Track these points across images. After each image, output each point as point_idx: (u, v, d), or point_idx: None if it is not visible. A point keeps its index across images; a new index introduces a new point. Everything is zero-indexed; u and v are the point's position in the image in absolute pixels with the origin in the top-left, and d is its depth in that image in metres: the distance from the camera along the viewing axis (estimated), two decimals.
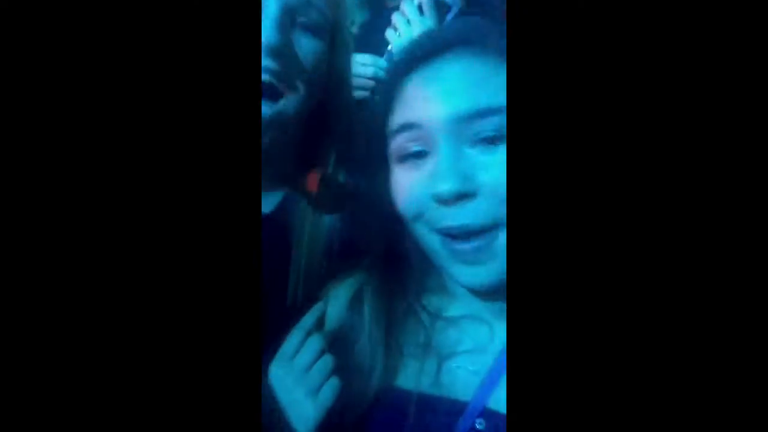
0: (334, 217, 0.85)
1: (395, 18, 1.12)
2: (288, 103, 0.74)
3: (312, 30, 0.75)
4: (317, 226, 0.84)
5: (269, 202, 0.86)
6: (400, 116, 0.64)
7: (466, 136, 0.60)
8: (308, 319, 0.69)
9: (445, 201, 0.60)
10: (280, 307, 0.80)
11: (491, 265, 0.61)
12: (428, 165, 0.62)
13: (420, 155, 0.63)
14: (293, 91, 0.75)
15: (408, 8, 1.10)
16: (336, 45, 0.81)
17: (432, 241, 0.64)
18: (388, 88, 0.68)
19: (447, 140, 0.60)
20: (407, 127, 0.63)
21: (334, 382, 0.65)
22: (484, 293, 0.66)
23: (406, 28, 1.09)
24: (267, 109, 0.73)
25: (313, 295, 0.77)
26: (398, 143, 0.64)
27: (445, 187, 0.59)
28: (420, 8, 1.09)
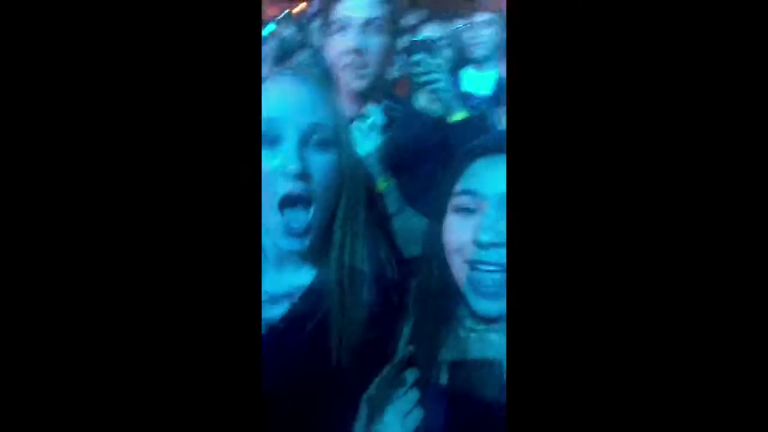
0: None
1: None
2: (316, 209, 0.93)
3: (323, 145, 0.93)
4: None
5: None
6: (465, 182, 0.93)
7: (502, 206, 0.85)
8: (400, 356, 0.90)
9: (484, 246, 0.86)
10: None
11: (503, 301, 0.83)
12: (475, 219, 0.89)
13: (470, 211, 0.91)
14: (316, 200, 0.93)
15: (363, 124, 1.32)
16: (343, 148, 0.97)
17: (461, 270, 0.91)
18: (464, 162, 0.94)
19: (493, 208, 0.87)
20: (468, 192, 0.91)
21: (418, 411, 0.86)
22: (491, 321, 0.89)
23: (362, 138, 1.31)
24: (300, 218, 0.92)
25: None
26: (459, 200, 0.92)
27: (485, 237, 0.86)
28: (372, 126, 1.32)
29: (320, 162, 0.92)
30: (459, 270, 0.91)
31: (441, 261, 0.94)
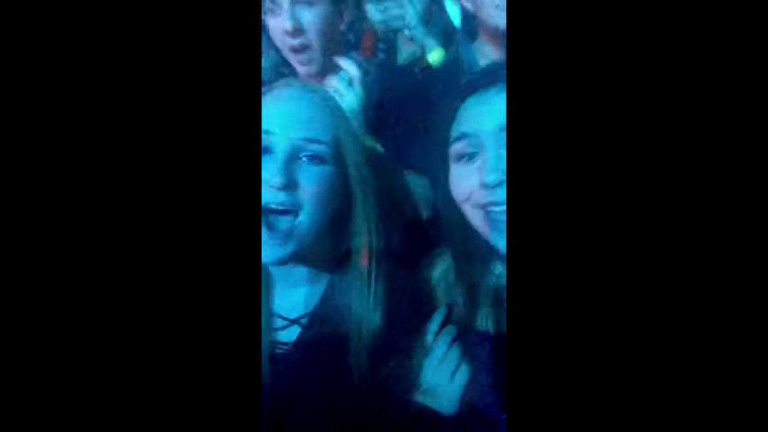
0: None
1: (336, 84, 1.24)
2: (303, 219, 0.88)
3: (318, 159, 0.88)
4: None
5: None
6: (456, 130, 0.88)
7: (502, 142, 0.82)
8: (436, 320, 0.93)
9: (492, 187, 0.83)
10: None
11: None
12: (477, 162, 0.85)
13: (471, 156, 0.87)
14: (303, 211, 0.87)
15: (339, 83, 1.22)
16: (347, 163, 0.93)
17: (476, 216, 0.88)
18: (452, 106, 0.90)
19: (492, 145, 0.84)
20: (464, 136, 0.87)
21: (465, 366, 0.89)
22: None
23: (341, 97, 1.20)
24: (281, 227, 0.86)
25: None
26: (456, 148, 0.88)
27: (492, 177, 0.82)
28: (350, 81, 1.22)
29: (312, 174, 0.88)
30: (475, 217, 0.88)
31: (456, 213, 0.91)
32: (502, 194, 0.82)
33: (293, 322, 0.95)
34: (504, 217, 0.83)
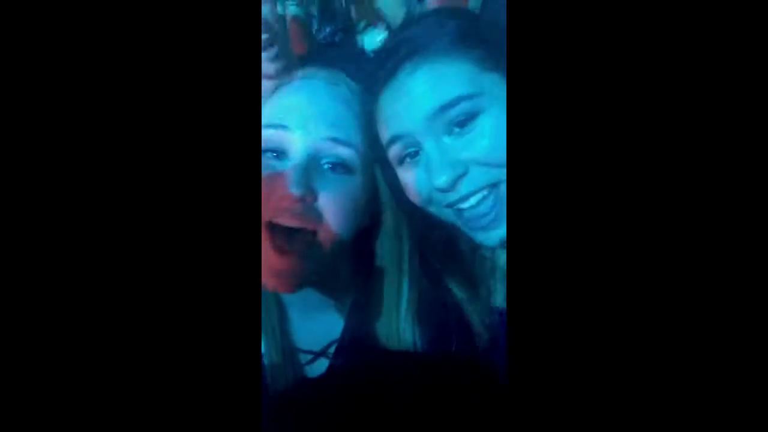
0: None
1: None
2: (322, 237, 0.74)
3: (343, 167, 0.75)
4: None
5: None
6: (385, 130, 0.75)
7: (440, 129, 0.71)
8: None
9: (445, 190, 0.71)
10: None
11: (502, 227, 0.72)
12: (423, 160, 0.73)
13: (413, 155, 0.74)
14: (321, 228, 0.74)
15: None
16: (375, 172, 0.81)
17: (447, 215, 0.76)
18: (370, 106, 0.76)
19: (428, 139, 0.71)
20: (395, 139, 0.74)
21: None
22: (501, 247, 0.76)
23: None
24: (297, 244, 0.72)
25: None
26: (394, 152, 0.75)
27: (441, 180, 0.70)
28: None
29: (335, 184, 0.74)
30: (446, 215, 0.76)
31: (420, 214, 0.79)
32: (464, 189, 0.71)
33: (320, 354, 0.85)
34: (482, 218, 0.72)
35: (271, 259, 0.71)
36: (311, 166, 0.73)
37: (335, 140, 0.75)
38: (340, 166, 0.75)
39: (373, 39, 1.31)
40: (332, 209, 0.73)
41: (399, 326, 0.81)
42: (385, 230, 0.82)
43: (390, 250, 0.82)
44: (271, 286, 0.72)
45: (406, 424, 0.70)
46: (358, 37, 1.48)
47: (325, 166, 0.75)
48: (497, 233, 0.73)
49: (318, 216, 0.73)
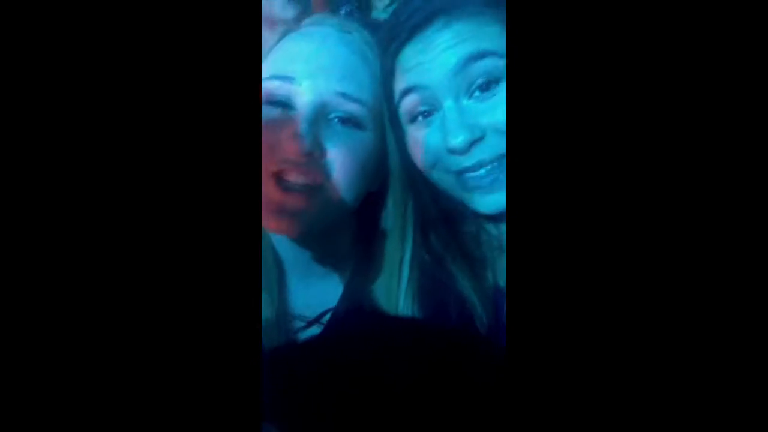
0: None
1: None
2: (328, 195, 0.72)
3: (353, 123, 0.73)
4: None
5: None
6: (402, 82, 0.71)
7: (462, 88, 0.68)
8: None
9: (459, 152, 0.68)
10: None
11: (502, 193, 0.69)
12: (436, 121, 0.70)
13: (427, 114, 0.71)
14: (328, 185, 0.72)
15: None
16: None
17: (448, 181, 0.73)
18: (389, 57, 0.72)
19: (448, 97, 0.68)
20: (412, 89, 0.70)
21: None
22: (496, 218, 0.73)
23: None
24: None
25: None
26: (406, 106, 0.71)
27: (458, 141, 0.67)
28: None
29: (344, 139, 0.71)
30: (445, 180, 0.73)
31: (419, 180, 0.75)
32: (474, 156, 0.68)
33: (313, 321, 0.84)
34: (484, 180, 0.69)
35: (274, 199, 0.69)
36: (319, 118, 0.71)
37: (345, 95, 0.71)
38: (349, 121, 0.72)
39: (384, 7, 1.27)
40: (340, 165, 0.71)
41: (398, 303, 0.79)
42: (391, 199, 0.80)
43: (394, 220, 0.80)
44: (272, 228, 0.70)
45: (400, 394, 0.68)
46: (373, 12, 1.44)
47: (334, 120, 0.72)
48: (494, 198, 0.70)
49: (326, 172, 0.71)
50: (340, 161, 0.71)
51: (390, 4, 1.34)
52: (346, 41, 0.75)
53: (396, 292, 0.79)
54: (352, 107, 0.72)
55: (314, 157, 0.69)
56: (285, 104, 0.72)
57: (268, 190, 0.69)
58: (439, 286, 0.81)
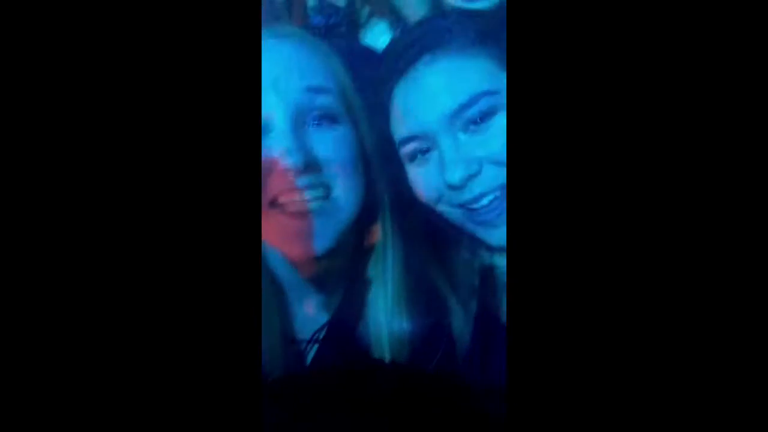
0: None
1: None
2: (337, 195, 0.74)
3: (328, 119, 0.74)
4: None
5: None
6: (399, 131, 0.74)
7: (457, 126, 0.70)
8: None
9: (457, 187, 0.70)
10: None
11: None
12: (434, 157, 0.72)
13: (425, 151, 0.74)
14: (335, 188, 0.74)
15: None
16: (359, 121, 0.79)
17: (456, 215, 0.75)
18: (381, 105, 0.75)
19: (443, 136, 0.70)
20: (410, 139, 0.73)
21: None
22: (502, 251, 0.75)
23: None
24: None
25: None
26: (406, 151, 0.75)
27: (455, 177, 0.69)
28: None
29: (328, 139, 0.72)
30: (453, 214, 0.76)
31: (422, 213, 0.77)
32: (474, 189, 0.70)
33: (309, 341, 0.84)
34: (491, 213, 0.71)
35: (286, 227, 0.71)
36: (298, 126, 0.71)
37: (311, 89, 0.72)
38: (325, 119, 0.73)
39: (377, 36, 1.27)
40: (338, 168, 0.72)
41: (390, 317, 0.80)
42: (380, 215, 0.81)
43: (382, 236, 0.81)
44: (294, 255, 0.72)
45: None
46: (361, 31, 1.43)
47: (312, 124, 0.73)
48: (503, 231, 0.72)
49: (328, 181, 0.72)
50: (335, 165, 0.73)
51: (369, 19, 1.34)
52: (291, 43, 0.76)
53: (388, 306, 0.80)
54: (322, 100, 0.73)
55: (312, 170, 0.71)
56: (265, 125, 0.72)
57: (279, 222, 0.71)
58: (429, 299, 0.82)
